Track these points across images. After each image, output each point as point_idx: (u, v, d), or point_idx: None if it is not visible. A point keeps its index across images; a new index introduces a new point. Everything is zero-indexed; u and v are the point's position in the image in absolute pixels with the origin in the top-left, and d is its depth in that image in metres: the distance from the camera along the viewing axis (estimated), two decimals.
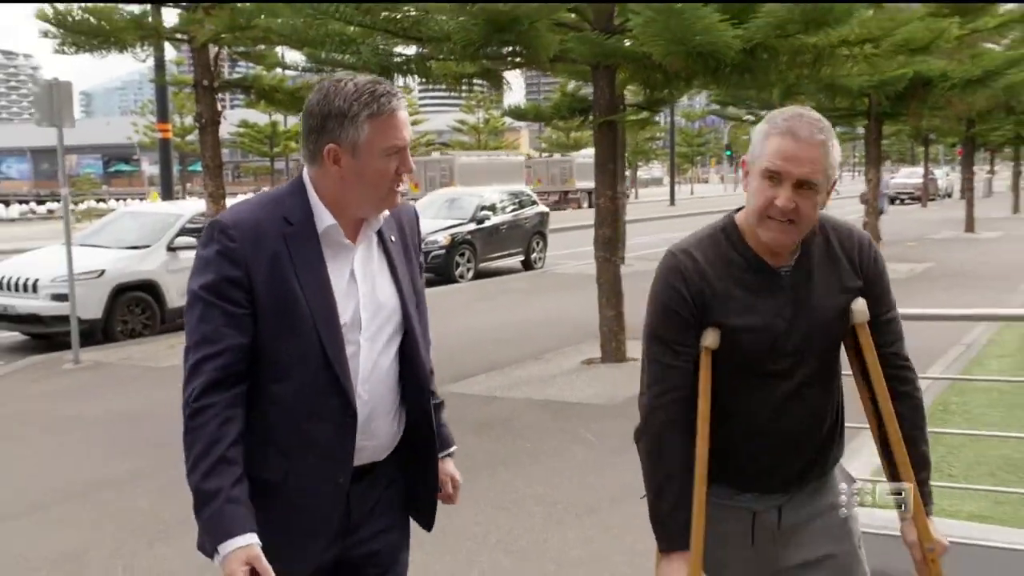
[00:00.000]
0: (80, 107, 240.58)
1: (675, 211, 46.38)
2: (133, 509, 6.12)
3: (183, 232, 13.81)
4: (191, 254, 12.66)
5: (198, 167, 15.39)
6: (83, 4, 10.89)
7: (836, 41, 8.56)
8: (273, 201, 2.42)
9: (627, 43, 9.41)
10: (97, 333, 12.59)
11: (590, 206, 37.30)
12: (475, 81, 12.00)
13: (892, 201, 49.94)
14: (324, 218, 2.39)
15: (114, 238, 14.13)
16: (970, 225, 28.22)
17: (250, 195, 2.91)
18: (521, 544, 5.36)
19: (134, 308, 13.30)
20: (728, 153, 75.83)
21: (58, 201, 54.64)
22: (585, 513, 5.86)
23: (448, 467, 2.77)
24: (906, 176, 56.57)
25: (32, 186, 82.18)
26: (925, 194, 47.91)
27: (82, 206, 46.23)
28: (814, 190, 2.30)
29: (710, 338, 2.41)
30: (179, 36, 12.19)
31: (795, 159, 2.27)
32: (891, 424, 2.49)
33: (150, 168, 71.00)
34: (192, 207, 15.11)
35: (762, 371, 2.44)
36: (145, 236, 13.95)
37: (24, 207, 55.22)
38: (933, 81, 17.06)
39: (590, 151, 24.99)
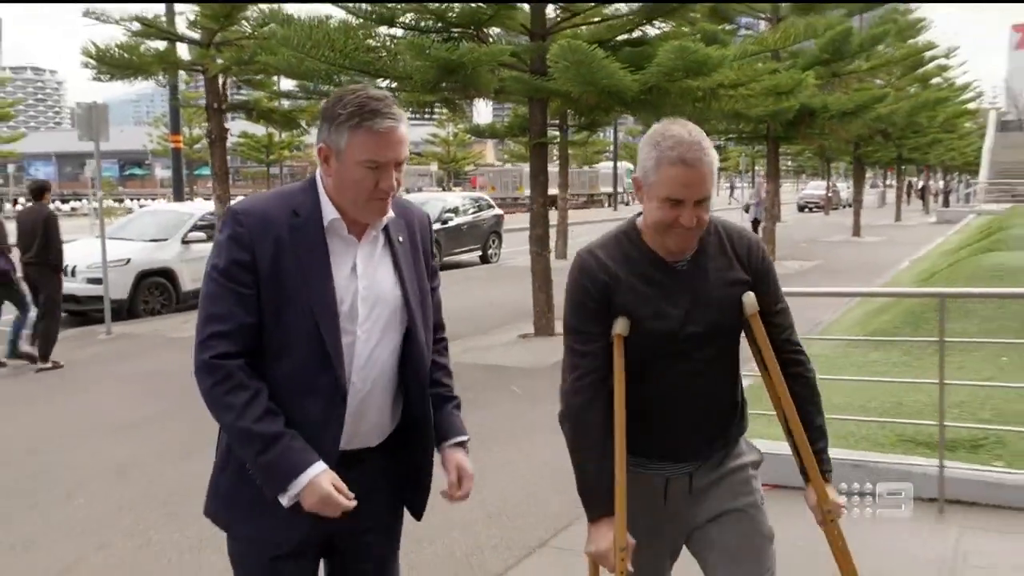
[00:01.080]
0: None
1: (617, 215, 47.34)
2: (167, 436, 7.02)
3: (195, 228, 14.57)
4: (202, 246, 13.58)
5: (202, 172, 16.23)
6: (120, 42, 11.75)
7: (715, 85, 9.59)
8: (285, 195, 2.32)
9: (553, 82, 10.29)
10: (123, 311, 13.18)
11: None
12: (436, 107, 12.86)
13: (801, 209, 51.31)
14: (329, 212, 2.27)
15: (137, 232, 14.80)
16: (857, 231, 29.24)
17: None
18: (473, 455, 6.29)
19: (154, 291, 14.01)
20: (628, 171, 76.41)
21: (79, 200, 54.62)
22: (507, 440, 6.73)
23: (457, 456, 2.51)
24: (813, 188, 57.64)
25: (57, 187, 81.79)
26: (828, 203, 48.96)
27: (103, 205, 46.33)
28: (708, 201, 2.33)
29: (620, 326, 2.39)
30: (194, 67, 12.99)
31: (691, 185, 2.27)
32: (787, 403, 2.49)
33: (161, 172, 71.13)
34: (202, 207, 15.87)
35: (666, 355, 2.41)
36: (163, 231, 14.65)
37: (51, 205, 55.28)
38: (816, 112, 18.17)
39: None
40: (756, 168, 52.73)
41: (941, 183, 60.96)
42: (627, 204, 56.90)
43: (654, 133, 2.33)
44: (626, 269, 2.40)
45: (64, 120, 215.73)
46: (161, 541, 4.87)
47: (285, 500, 2.12)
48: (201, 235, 14.35)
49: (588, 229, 33.54)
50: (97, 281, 12.68)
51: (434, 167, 66.42)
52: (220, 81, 13.04)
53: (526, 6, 9.92)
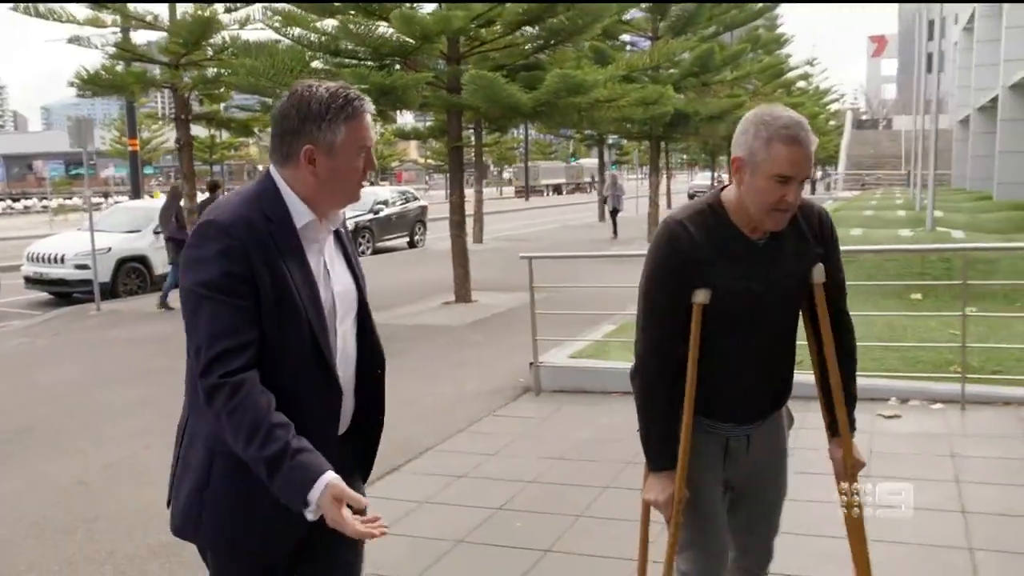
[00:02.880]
0: (41, 120, 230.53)
1: (529, 205, 48.90)
2: (167, 385, 8.33)
3: None
4: None
5: (148, 171, 17.11)
6: (105, 66, 12.89)
7: (592, 100, 11.22)
8: (250, 199, 2.08)
9: (466, 99, 11.74)
10: (106, 293, 14.11)
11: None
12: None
13: (690, 198, 53.37)
14: (302, 214, 2.09)
15: (113, 225, 15.80)
16: None
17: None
18: (395, 396, 7.73)
19: (132, 275, 15.18)
20: (573, 159, 78.44)
21: (29, 199, 53.69)
22: (431, 376, 8.01)
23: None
24: (701, 179, 59.94)
25: (5, 186, 79.96)
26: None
27: (54, 203, 46.30)
28: (807, 180, 2.26)
29: (702, 296, 2.29)
30: (165, 85, 14.14)
31: (802, 164, 2.17)
32: (832, 367, 2.45)
33: (107, 172, 70.37)
34: None
35: (741, 324, 2.33)
36: (137, 223, 15.72)
37: (3, 204, 54.78)
38: (689, 116, 20.02)
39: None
40: (609, 162, 55.02)
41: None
42: (560, 194, 58.98)
43: (760, 114, 2.22)
44: (711, 241, 2.28)
45: (7, 123, 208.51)
46: None
47: (310, 516, 1.91)
48: None
49: (500, 216, 35.26)
50: (84, 267, 13.85)
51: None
52: (186, 96, 14.21)
53: (444, 37, 11.34)
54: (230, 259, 1.95)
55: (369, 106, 2.09)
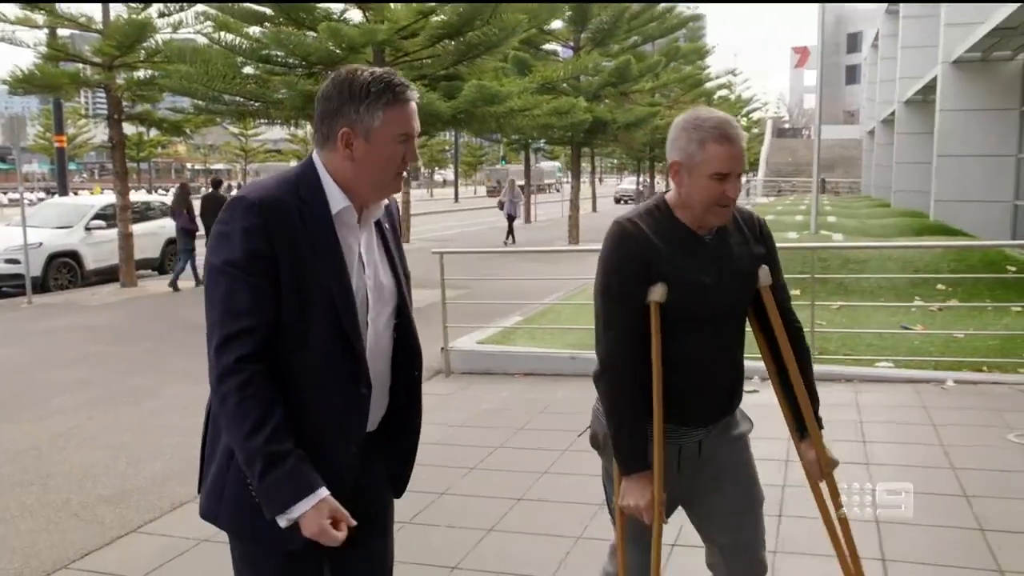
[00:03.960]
0: None
1: (459, 207, 49.78)
2: (105, 367, 8.98)
3: (96, 216, 16.09)
4: (102, 233, 15.30)
5: (71, 167, 17.35)
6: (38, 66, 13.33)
7: (507, 110, 12.13)
8: (288, 182, 2.01)
9: None
10: (37, 287, 14.40)
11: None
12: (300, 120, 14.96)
13: (617, 201, 55.00)
14: (338, 200, 2.01)
15: (44, 220, 16.06)
16: None
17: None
18: None
19: (63, 269, 15.49)
20: (503, 162, 79.33)
21: None
22: None
23: None
24: (628, 183, 61.69)
25: None
26: (640, 196, 52.75)
27: None
28: (741, 176, 2.31)
29: (657, 293, 2.29)
30: (99, 86, 14.60)
31: (735, 159, 2.25)
32: (793, 371, 2.46)
33: (28, 167, 69.09)
34: (102, 199, 17.50)
35: (693, 321, 2.34)
36: (68, 219, 16.06)
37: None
38: (607, 123, 21.11)
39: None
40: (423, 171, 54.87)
41: None
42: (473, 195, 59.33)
43: (689, 119, 2.29)
44: (662, 238, 2.31)
45: None
46: (129, 413, 6.94)
47: (283, 522, 1.88)
48: (101, 223, 15.95)
49: (426, 218, 36.00)
50: (14, 261, 14.21)
51: (294, 163, 67.28)
52: (119, 96, 14.69)
53: (369, 48, 12.11)
54: (253, 237, 1.89)
55: (413, 94, 2.01)
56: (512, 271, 12.68)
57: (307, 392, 1.98)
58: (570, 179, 25.55)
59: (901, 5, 25.93)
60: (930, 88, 17.95)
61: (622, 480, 2.40)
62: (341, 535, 1.90)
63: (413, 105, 2.01)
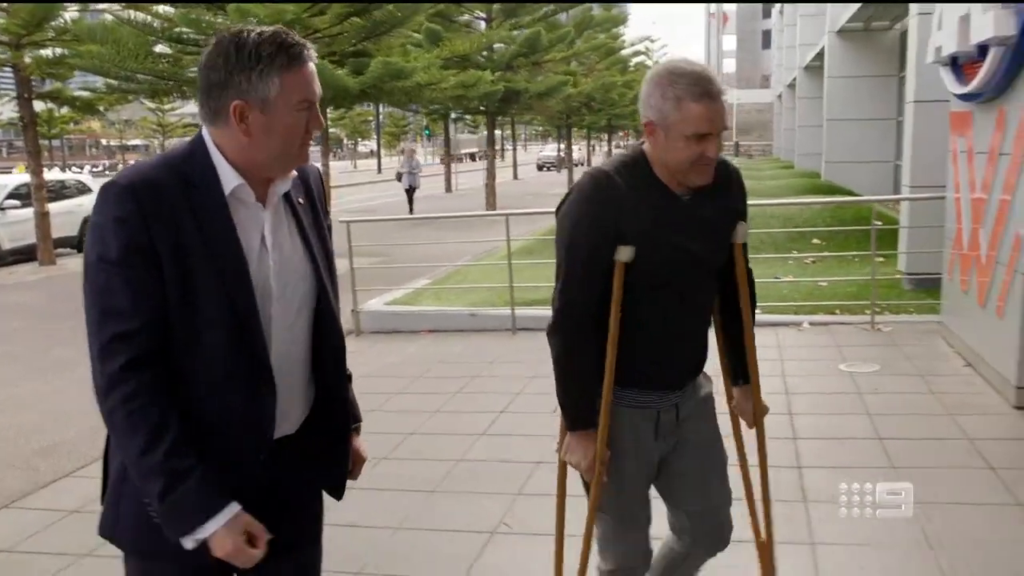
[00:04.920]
0: None
1: (381, 177, 49.91)
2: (26, 342, 9.38)
3: (9, 196, 16.17)
4: (17, 212, 15.41)
5: None
6: None
7: (414, 84, 12.71)
8: (171, 162, 1.76)
9: None
10: None
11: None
12: None
13: (539, 168, 55.75)
14: (230, 179, 1.77)
15: None
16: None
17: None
18: None
19: None
20: (427, 132, 79.17)
21: None
22: None
23: (353, 441, 2.15)
24: (550, 150, 62.28)
25: None
26: (561, 162, 53.57)
27: None
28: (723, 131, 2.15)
29: (625, 253, 2.16)
30: (6, 65, 14.68)
31: (716, 118, 2.07)
32: (747, 323, 2.42)
33: None
34: (16, 178, 17.47)
35: (666, 281, 2.23)
36: None
37: None
38: (519, 93, 21.77)
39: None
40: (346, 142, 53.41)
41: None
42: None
43: (662, 73, 2.11)
44: (637, 196, 2.16)
45: None
46: (57, 380, 7.41)
47: (189, 543, 1.69)
48: (15, 202, 16.04)
49: (349, 189, 36.20)
50: None
51: None
52: (28, 75, 14.79)
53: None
54: (128, 227, 1.66)
55: (311, 54, 1.78)
56: (426, 237, 13.32)
57: (205, 397, 1.76)
58: (502, 147, 26.07)
59: None
60: (822, 55, 19.01)
61: (567, 435, 2.35)
62: (258, 553, 1.72)
63: (312, 66, 1.78)
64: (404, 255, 11.92)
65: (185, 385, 1.75)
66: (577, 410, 2.32)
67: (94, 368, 1.70)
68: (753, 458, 2.57)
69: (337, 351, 2.03)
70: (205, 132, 1.81)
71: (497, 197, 23.53)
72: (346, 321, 8.83)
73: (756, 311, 2.52)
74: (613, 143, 55.00)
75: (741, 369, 2.52)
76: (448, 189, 32.75)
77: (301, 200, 1.94)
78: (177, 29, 12.79)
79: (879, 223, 8.18)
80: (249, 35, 1.73)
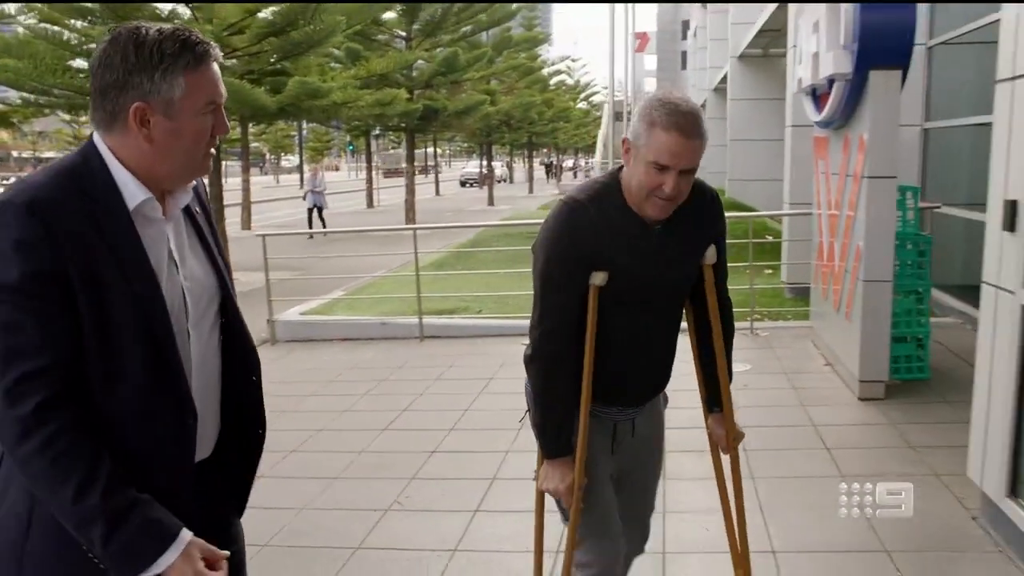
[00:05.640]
0: None
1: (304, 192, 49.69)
2: None
3: None
4: None
5: None
6: None
7: (330, 103, 13.11)
8: (66, 175, 1.57)
9: None
10: None
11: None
12: None
13: (462, 184, 56.13)
14: (134, 192, 1.60)
15: None
16: (491, 200, 34.18)
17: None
18: None
19: None
20: (351, 147, 78.87)
21: None
22: None
23: None
24: (472, 167, 62.63)
25: None
26: (483, 179, 54.13)
27: None
28: (693, 172, 2.15)
29: (599, 278, 2.21)
30: None
31: (682, 155, 2.07)
32: (719, 348, 2.44)
33: None
34: None
35: (633, 307, 2.28)
36: None
37: None
38: (438, 111, 22.29)
39: None
40: (268, 157, 52.05)
41: (570, 162, 69.08)
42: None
43: (652, 99, 2.13)
44: (610, 223, 2.20)
45: None
46: None
47: (155, 570, 1.52)
48: None
49: (271, 205, 36.20)
50: None
51: None
52: None
53: None
54: (34, 252, 1.48)
55: (217, 52, 1.65)
56: (344, 251, 13.71)
57: (126, 435, 1.58)
58: (430, 163, 26.43)
59: None
60: (727, 78, 20.00)
61: (543, 462, 2.38)
62: (221, 574, 1.61)
63: (216, 66, 1.65)
64: (321, 268, 12.28)
65: (105, 423, 1.56)
66: (556, 438, 2.34)
67: (6, 417, 1.48)
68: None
69: (250, 362, 1.88)
70: (98, 140, 1.63)
71: (417, 213, 23.93)
72: (262, 330, 9.25)
73: (732, 337, 2.53)
74: (535, 160, 55.84)
75: (714, 396, 2.55)
76: (370, 205, 33.01)
77: (198, 209, 1.82)
78: (94, 44, 12.95)
79: (770, 237, 8.91)
80: (149, 32, 1.58)
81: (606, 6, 28.28)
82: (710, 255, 2.37)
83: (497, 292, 9.86)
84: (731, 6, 18.92)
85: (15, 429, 1.48)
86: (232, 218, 17.28)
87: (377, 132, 36.83)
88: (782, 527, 3.97)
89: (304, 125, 60.88)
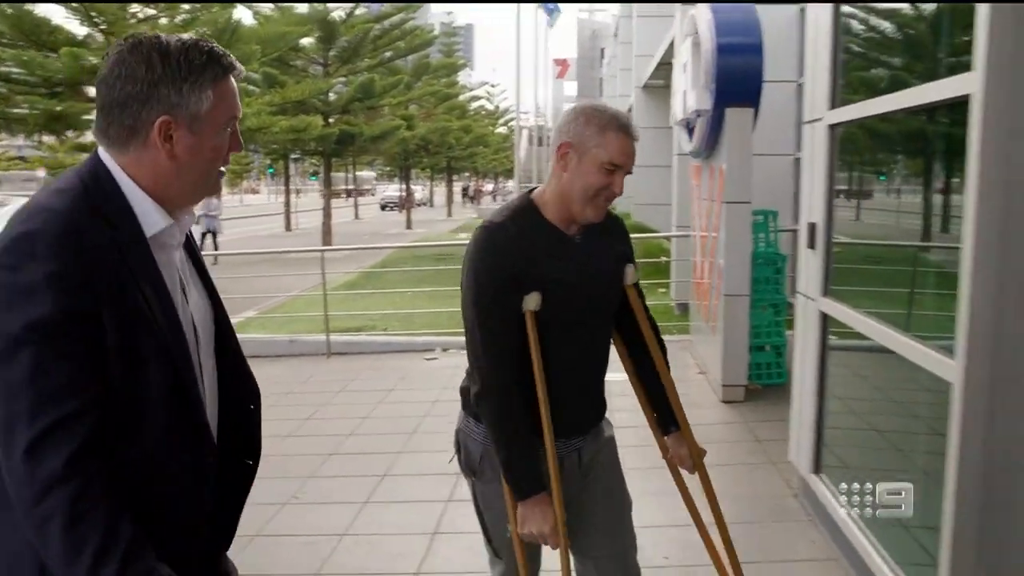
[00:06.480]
0: None
1: (223, 216, 49.26)
2: None
3: None
4: None
5: None
6: None
7: (247, 129, 13.39)
8: (80, 197, 1.43)
9: None
10: None
11: None
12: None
13: (382, 208, 56.17)
14: (154, 218, 1.49)
15: None
16: (409, 224, 34.60)
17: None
18: None
19: None
20: (271, 171, 78.23)
21: None
22: None
23: None
24: (393, 190, 62.89)
25: None
26: (403, 202, 54.26)
27: None
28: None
29: (532, 301, 2.16)
30: None
31: (631, 155, 2.16)
32: (661, 368, 2.44)
33: None
34: None
35: (568, 328, 2.23)
36: None
37: None
38: (355, 136, 22.66)
39: None
40: (248, 175, 50.93)
41: (490, 186, 69.96)
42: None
43: (587, 107, 2.19)
44: (532, 242, 2.18)
45: None
46: None
47: None
48: None
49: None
50: None
51: (42, 172, 63.59)
52: None
53: None
54: (68, 287, 1.34)
55: (239, 65, 1.57)
56: (257, 272, 13.97)
57: (145, 474, 1.46)
58: (365, 186, 26.63)
59: (621, 29, 29.30)
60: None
61: (517, 506, 2.22)
62: None
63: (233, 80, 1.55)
64: (233, 289, 12.53)
65: (126, 467, 1.42)
66: (528, 474, 2.21)
67: (16, 472, 1.32)
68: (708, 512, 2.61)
69: (248, 390, 1.78)
70: (106, 157, 1.50)
71: (335, 236, 24.18)
72: None
73: (666, 355, 2.52)
74: (455, 184, 56.41)
75: (667, 416, 2.51)
76: (288, 228, 33.06)
77: (191, 233, 1.71)
78: (4, 68, 13.05)
79: (664, 258, 9.57)
80: (170, 42, 1.48)
81: (526, 31, 28.91)
82: (630, 275, 2.40)
83: (403, 310, 10.32)
84: (634, 39, 19.83)
85: (36, 489, 1.31)
86: None
87: (296, 156, 36.99)
88: (636, 511, 4.51)
89: None
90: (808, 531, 4.14)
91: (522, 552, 2.30)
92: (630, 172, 2.19)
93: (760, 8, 6.60)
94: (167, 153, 1.48)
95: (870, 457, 3.95)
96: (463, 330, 2.27)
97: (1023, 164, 2.33)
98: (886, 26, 3.87)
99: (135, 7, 13.55)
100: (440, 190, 55.57)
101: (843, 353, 4.08)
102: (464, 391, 2.33)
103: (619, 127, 2.15)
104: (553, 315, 2.19)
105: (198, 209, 13.81)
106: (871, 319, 3.44)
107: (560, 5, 30.46)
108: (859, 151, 4.19)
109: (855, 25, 3.97)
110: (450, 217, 43.79)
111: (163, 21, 13.53)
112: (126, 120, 1.46)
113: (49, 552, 1.33)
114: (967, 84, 2.43)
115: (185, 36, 1.51)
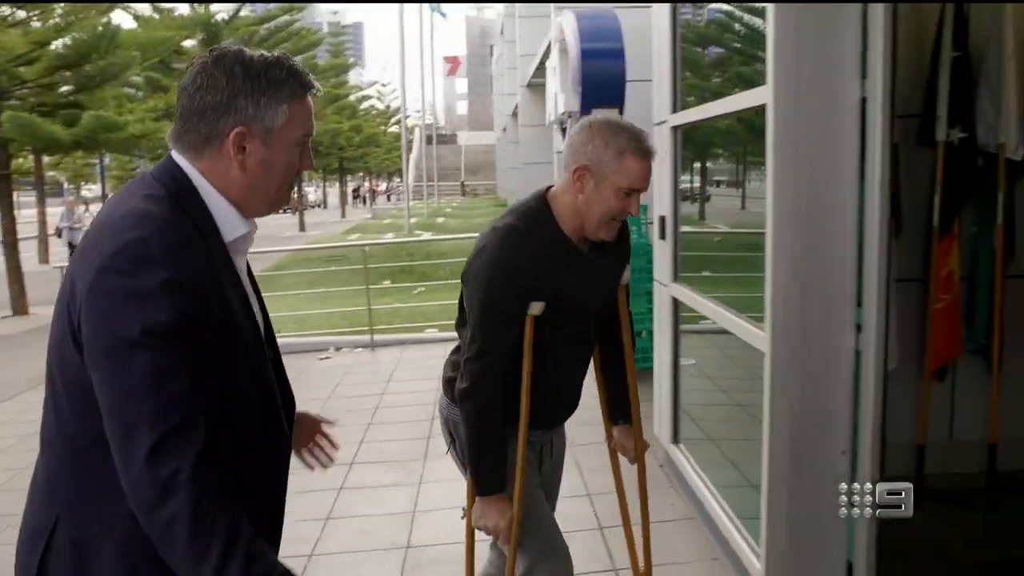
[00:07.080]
0: None
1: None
2: None
3: None
4: None
5: None
6: None
7: (130, 135, 13.24)
8: (176, 204, 1.47)
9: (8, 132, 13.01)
10: None
11: None
12: None
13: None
14: (235, 224, 1.54)
15: None
16: (302, 226, 34.60)
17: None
18: None
19: None
20: None
21: None
22: None
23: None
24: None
25: None
26: (296, 204, 53.26)
27: None
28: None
29: (537, 307, 2.20)
30: None
31: (648, 176, 2.17)
32: (630, 366, 2.51)
33: None
34: None
35: (563, 331, 2.28)
36: None
37: None
38: None
39: None
40: (67, 187, 47.73)
41: (384, 185, 69.73)
42: None
43: (605, 124, 2.17)
44: (545, 250, 2.19)
45: None
46: None
47: None
48: None
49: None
50: None
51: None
52: None
53: None
54: (181, 292, 1.37)
55: (317, 84, 1.59)
56: None
57: (239, 478, 1.44)
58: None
59: (505, 28, 29.74)
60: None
61: (476, 500, 2.31)
62: None
63: (311, 99, 1.58)
64: None
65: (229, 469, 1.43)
66: (492, 475, 2.28)
67: (134, 474, 1.34)
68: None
69: (288, 396, 1.74)
70: (183, 162, 1.52)
71: None
72: None
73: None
74: (348, 184, 56.00)
75: (622, 409, 2.61)
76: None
77: None
78: None
79: None
80: (254, 56, 1.52)
81: (415, 30, 28.98)
82: (626, 275, 2.44)
83: (297, 312, 10.43)
84: (517, 38, 20.24)
85: (157, 490, 1.31)
86: (28, 252, 16.79)
87: None
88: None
89: (106, 154, 58.27)
90: (669, 497, 4.52)
91: (470, 541, 2.54)
92: (645, 191, 2.21)
93: (623, 10, 7.00)
94: (239, 165, 1.51)
95: (719, 428, 4.38)
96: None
97: (809, 162, 2.73)
98: (715, 36, 4.30)
99: (4, 9, 13.12)
100: (334, 191, 55.01)
101: (697, 335, 4.48)
102: (449, 383, 2.40)
103: (636, 150, 2.14)
104: (551, 318, 2.24)
105: (60, 221, 15.19)
106: (708, 300, 3.84)
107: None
108: (698, 149, 4.61)
109: (689, 35, 4.38)
110: (344, 218, 43.45)
111: (36, 25, 13.14)
112: (203, 128, 1.49)
113: (174, 553, 1.34)
114: (762, 95, 2.83)
115: (266, 52, 1.54)
